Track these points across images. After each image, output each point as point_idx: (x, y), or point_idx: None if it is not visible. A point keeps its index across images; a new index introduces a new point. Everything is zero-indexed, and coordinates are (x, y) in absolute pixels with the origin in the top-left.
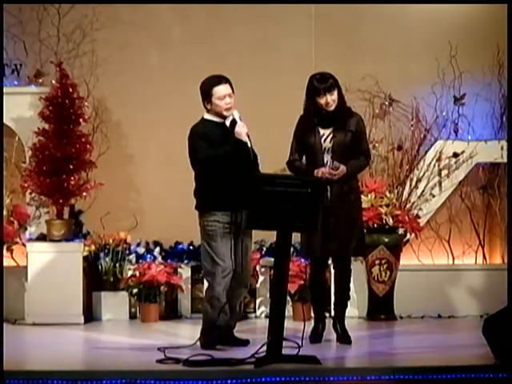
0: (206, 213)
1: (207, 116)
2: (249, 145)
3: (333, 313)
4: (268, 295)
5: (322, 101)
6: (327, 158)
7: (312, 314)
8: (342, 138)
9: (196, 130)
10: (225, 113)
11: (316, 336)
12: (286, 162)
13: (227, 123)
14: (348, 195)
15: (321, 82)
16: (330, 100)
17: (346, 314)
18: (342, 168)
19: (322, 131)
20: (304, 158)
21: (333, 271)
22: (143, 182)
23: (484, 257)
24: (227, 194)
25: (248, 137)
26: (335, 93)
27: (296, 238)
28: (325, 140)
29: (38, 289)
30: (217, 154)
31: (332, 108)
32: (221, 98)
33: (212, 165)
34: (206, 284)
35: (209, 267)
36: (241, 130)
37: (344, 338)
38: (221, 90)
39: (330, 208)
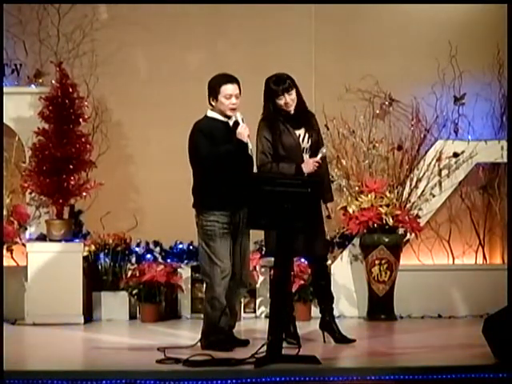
0: (205, 212)
1: (211, 114)
2: (249, 146)
3: (320, 315)
4: (268, 295)
5: (281, 102)
6: (306, 157)
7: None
8: (316, 137)
9: (200, 127)
10: (228, 112)
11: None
12: (259, 166)
13: (230, 123)
14: None
15: (278, 84)
16: (289, 100)
17: (347, 313)
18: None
19: (296, 132)
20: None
21: (311, 274)
22: (143, 182)
23: (484, 257)
24: (226, 194)
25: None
26: (293, 93)
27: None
28: (303, 140)
29: (38, 289)
30: (219, 152)
31: (292, 108)
32: (227, 96)
33: (213, 162)
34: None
35: (207, 268)
36: (243, 132)
37: (343, 338)
38: (228, 88)
39: None
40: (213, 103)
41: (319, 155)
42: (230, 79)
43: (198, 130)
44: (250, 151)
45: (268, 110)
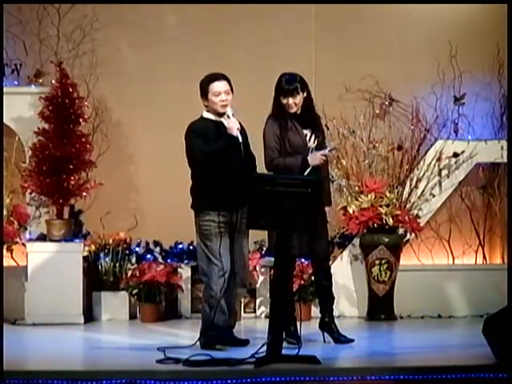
0: (201, 212)
1: (205, 114)
2: (240, 140)
3: (320, 315)
4: (268, 295)
5: (284, 101)
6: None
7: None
8: (321, 139)
9: (193, 127)
10: (220, 110)
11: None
12: (268, 162)
13: (225, 122)
14: None
15: (286, 84)
16: (292, 102)
17: (347, 313)
18: None
19: (304, 131)
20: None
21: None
22: (143, 182)
23: (484, 257)
24: (221, 194)
25: (244, 133)
26: (299, 97)
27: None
28: (309, 140)
29: (38, 289)
30: (211, 149)
31: (293, 110)
32: (216, 94)
33: (206, 161)
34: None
35: (205, 267)
36: (231, 126)
37: (341, 338)
38: (217, 86)
39: None
40: (205, 103)
41: (328, 149)
42: (217, 77)
43: (192, 131)
44: (241, 144)
45: (276, 106)
